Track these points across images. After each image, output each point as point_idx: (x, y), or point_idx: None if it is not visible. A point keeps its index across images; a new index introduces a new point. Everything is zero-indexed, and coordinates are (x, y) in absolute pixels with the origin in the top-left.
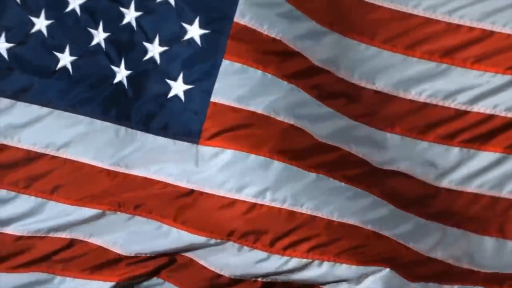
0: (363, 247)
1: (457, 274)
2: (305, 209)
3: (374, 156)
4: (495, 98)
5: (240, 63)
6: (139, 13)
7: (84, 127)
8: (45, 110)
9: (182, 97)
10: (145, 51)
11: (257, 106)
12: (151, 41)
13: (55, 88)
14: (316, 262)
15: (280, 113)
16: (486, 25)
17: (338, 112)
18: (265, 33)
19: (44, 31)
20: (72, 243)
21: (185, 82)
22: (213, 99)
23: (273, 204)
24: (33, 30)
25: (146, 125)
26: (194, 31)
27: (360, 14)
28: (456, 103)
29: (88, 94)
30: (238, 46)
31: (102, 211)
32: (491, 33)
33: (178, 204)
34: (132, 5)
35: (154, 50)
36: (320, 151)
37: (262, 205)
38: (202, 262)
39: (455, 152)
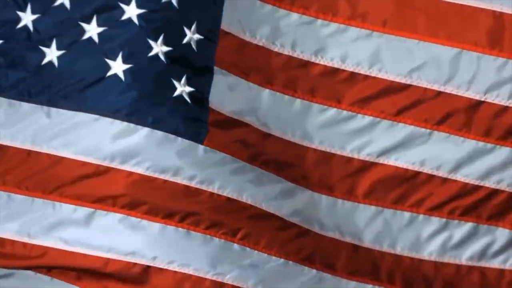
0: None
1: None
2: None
3: None
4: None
5: (225, 70)
6: (142, 10)
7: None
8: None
9: (187, 98)
10: (150, 47)
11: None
12: (155, 39)
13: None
14: None
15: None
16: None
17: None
18: (248, 39)
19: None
20: None
21: (188, 84)
22: (210, 105)
23: None
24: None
25: (141, 120)
26: (191, 36)
27: None
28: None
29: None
30: (225, 52)
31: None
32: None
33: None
34: (133, 2)
35: (159, 48)
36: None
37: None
38: None
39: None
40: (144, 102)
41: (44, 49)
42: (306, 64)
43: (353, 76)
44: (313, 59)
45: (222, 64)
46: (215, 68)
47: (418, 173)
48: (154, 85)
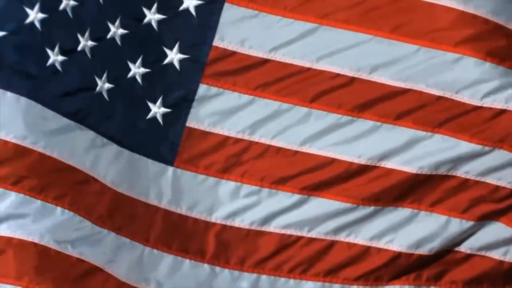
0: None
1: None
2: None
3: None
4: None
5: (217, 86)
6: (124, 31)
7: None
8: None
9: (160, 120)
10: (128, 69)
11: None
12: (134, 61)
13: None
14: None
15: (256, 134)
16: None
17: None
18: (246, 53)
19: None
20: None
21: (164, 105)
22: (189, 124)
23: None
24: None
25: (124, 141)
26: (174, 55)
27: None
28: None
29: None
30: (216, 70)
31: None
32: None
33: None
34: (118, 22)
35: (137, 70)
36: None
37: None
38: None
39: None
40: (116, 121)
41: (49, 51)
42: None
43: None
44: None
45: (209, 80)
46: (201, 85)
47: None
48: (129, 106)
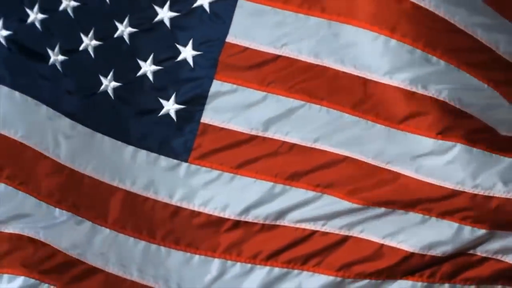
0: None
1: None
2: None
3: None
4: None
5: (231, 83)
6: (133, 30)
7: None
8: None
9: (174, 116)
10: (138, 67)
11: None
12: (144, 59)
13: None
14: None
15: (269, 130)
16: None
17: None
18: (259, 49)
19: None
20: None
21: (177, 102)
22: (203, 120)
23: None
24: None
25: (136, 141)
26: (188, 53)
27: None
28: None
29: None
30: (229, 66)
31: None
32: None
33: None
34: (126, 21)
35: (148, 68)
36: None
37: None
38: None
39: None
40: (129, 120)
41: (49, 51)
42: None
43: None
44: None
45: (222, 76)
46: (215, 81)
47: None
48: (139, 104)
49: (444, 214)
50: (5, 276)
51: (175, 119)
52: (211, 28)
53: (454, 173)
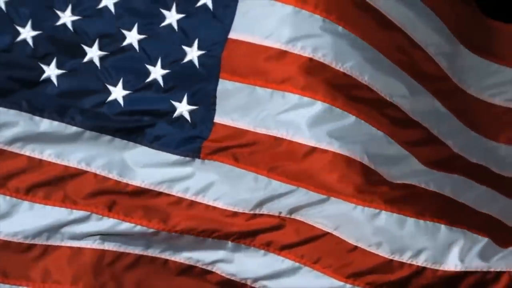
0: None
1: None
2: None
3: None
4: None
5: (235, 81)
6: (142, 36)
7: (78, 137)
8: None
9: (188, 117)
10: (147, 73)
11: (251, 124)
12: (153, 63)
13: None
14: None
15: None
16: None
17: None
18: (262, 43)
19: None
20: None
21: (189, 103)
22: (216, 119)
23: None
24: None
25: (139, 138)
26: (193, 53)
27: None
28: None
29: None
30: (232, 63)
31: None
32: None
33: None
34: (135, 29)
35: (157, 73)
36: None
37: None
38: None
39: None
40: (140, 125)
41: (43, 66)
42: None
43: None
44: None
45: (227, 74)
46: (220, 80)
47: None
48: (152, 109)
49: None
50: None
51: (189, 120)
52: (214, 25)
53: None
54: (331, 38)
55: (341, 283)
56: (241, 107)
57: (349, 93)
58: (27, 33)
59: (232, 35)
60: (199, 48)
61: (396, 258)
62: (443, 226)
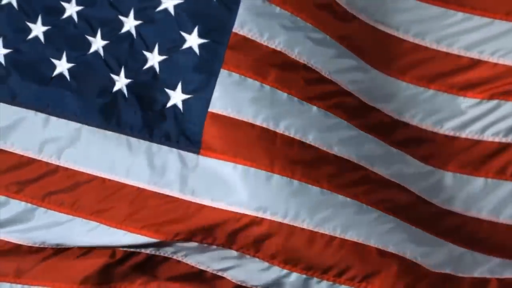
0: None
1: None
2: (306, 224)
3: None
4: (482, 123)
5: (238, 73)
6: (138, 22)
7: (82, 134)
8: (41, 116)
9: (181, 107)
10: (145, 60)
11: (256, 118)
12: (150, 50)
13: (52, 94)
14: (315, 280)
15: (280, 124)
16: (473, 54)
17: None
18: (265, 44)
19: (41, 38)
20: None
21: (184, 91)
22: (211, 109)
23: (273, 219)
24: (30, 36)
25: (149, 134)
26: (193, 41)
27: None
28: (444, 129)
29: (87, 102)
30: (237, 56)
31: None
32: (478, 61)
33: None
34: (132, 14)
35: (154, 59)
36: (324, 164)
37: (262, 219)
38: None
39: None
40: (137, 114)
41: (54, 61)
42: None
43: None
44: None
45: (230, 66)
46: (222, 70)
47: None
48: (146, 97)
49: None
50: None
51: (181, 110)
52: (217, 15)
53: None
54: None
55: None
56: (242, 99)
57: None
58: (38, 29)
59: (237, 29)
60: (200, 36)
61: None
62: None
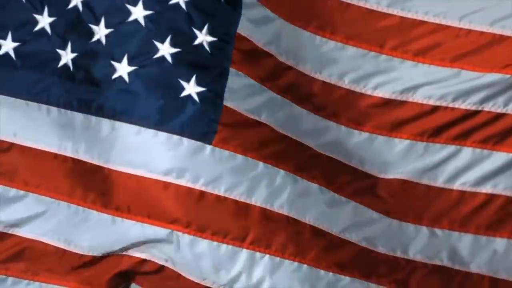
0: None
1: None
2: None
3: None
4: (504, 97)
5: (243, 72)
6: (148, 12)
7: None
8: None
9: (196, 98)
10: (156, 49)
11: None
12: (162, 41)
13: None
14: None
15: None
16: (496, 30)
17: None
18: (260, 47)
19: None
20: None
21: (198, 84)
22: (225, 103)
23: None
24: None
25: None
26: (203, 37)
27: (368, 23)
28: (466, 104)
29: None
30: (242, 57)
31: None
32: (501, 37)
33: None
34: (140, 4)
35: (166, 50)
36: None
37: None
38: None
39: (468, 152)
40: (148, 103)
41: (59, 51)
42: (310, 80)
43: (350, 94)
44: (316, 76)
45: (238, 66)
46: (231, 69)
47: (417, 184)
48: (159, 85)
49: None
50: None
51: (197, 100)
52: (225, 13)
53: None
54: None
55: None
56: (253, 101)
57: None
58: (44, 20)
59: (240, 30)
60: (209, 33)
61: None
62: None
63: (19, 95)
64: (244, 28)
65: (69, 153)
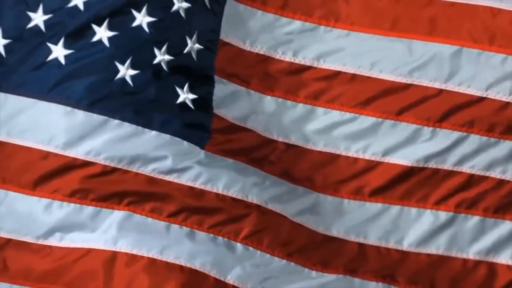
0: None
1: None
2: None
3: None
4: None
5: (225, 79)
6: (152, 19)
7: None
8: None
9: (191, 105)
10: (154, 56)
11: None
12: (159, 48)
13: None
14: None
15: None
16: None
17: None
18: (248, 49)
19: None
20: None
21: (191, 91)
22: (215, 111)
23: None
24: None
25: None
26: (192, 45)
27: None
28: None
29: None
30: (224, 62)
31: None
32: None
33: None
34: (144, 10)
35: (162, 57)
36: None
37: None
38: None
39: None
40: (149, 106)
41: (51, 46)
42: (307, 69)
43: (354, 78)
44: (315, 64)
45: (222, 73)
46: (216, 77)
47: (423, 169)
48: (158, 91)
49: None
50: None
51: (192, 107)
52: (210, 21)
53: None
54: None
55: None
56: (239, 107)
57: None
58: (39, 18)
59: (223, 36)
60: (198, 41)
61: None
62: None
63: None
64: (226, 33)
65: None
